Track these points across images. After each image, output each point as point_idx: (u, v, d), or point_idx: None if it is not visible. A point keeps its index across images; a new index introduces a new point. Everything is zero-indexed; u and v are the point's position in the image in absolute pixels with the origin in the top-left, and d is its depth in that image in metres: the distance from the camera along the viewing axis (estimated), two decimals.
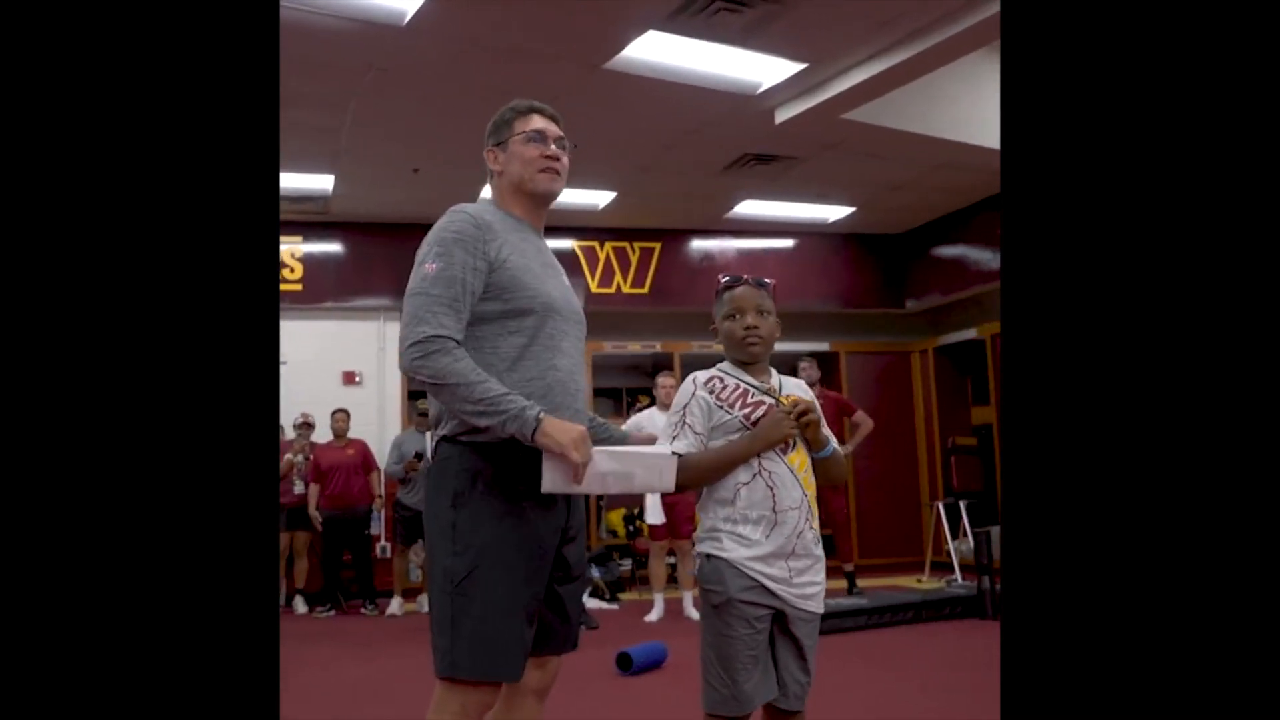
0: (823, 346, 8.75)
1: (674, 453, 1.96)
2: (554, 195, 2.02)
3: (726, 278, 2.09)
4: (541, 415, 1.74)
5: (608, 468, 1.81)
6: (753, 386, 2.02)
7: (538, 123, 2.00)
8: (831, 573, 7.16)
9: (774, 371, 2.10)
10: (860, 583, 6.85)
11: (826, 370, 8.60)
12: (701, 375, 2.04)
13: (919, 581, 7.51)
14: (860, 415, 6.75)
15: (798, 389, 2.09)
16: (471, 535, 1.80)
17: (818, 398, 7.03)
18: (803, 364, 6.89)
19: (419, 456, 6.56)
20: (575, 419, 1.90)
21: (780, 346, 2.20)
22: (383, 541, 7.34)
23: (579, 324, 2.01)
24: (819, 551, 2.00)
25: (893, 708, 3.61)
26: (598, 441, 2.09)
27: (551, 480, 1.77)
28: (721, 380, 2.03)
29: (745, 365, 2.05)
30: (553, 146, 1.99)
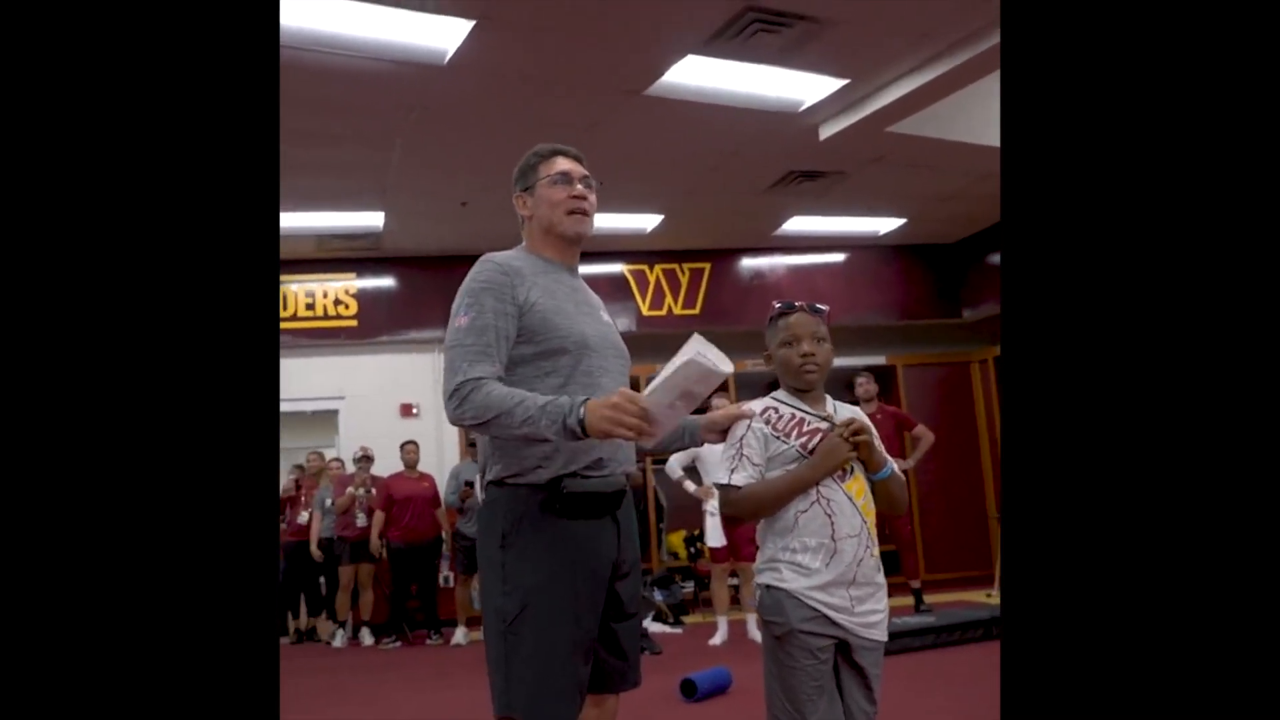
0: (879, 360, 8.65)
1: (731, 484, 1.95)
2: (584, 237, 2.03)
3: (780, 304, 2.08)
4: (584, 416, 1.69)
5: (666, 400, 1.73)
6: (809, 414, 2.00)
7: (562, 165, 2.02)
8: (898, 590, 7.11)
9: (829, 398, 2.08)
10: (928, 599, 6.74)
11: (884, 384, 8.47)
12: (757, 405, 2.03)
13: (989, 596, 7.35)
14: (920, 429, 6.65)
15: (852, 415, 2.06)
16: (520, 575, 1.81)
17: (876, 413, 6.92)
18: (860, 379, 6.81)
19: (470, 485, 6.61)
20: (615, 453, 1.91)
21: (836, 361, 2.17)
22: (445, 571, 7.40)
23: (619, 358, 2.01)
24: (880, 579, 1.98)
25: None
26: (672, 440, 2.11)
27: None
28: (776, 410, 2.01)
29: (801, 393, 2.04)
30: (579, 186, 2.01)
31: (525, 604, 1.79)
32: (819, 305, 2.06)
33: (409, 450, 7.23)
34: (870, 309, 8.87)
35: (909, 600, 6.60)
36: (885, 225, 8.29)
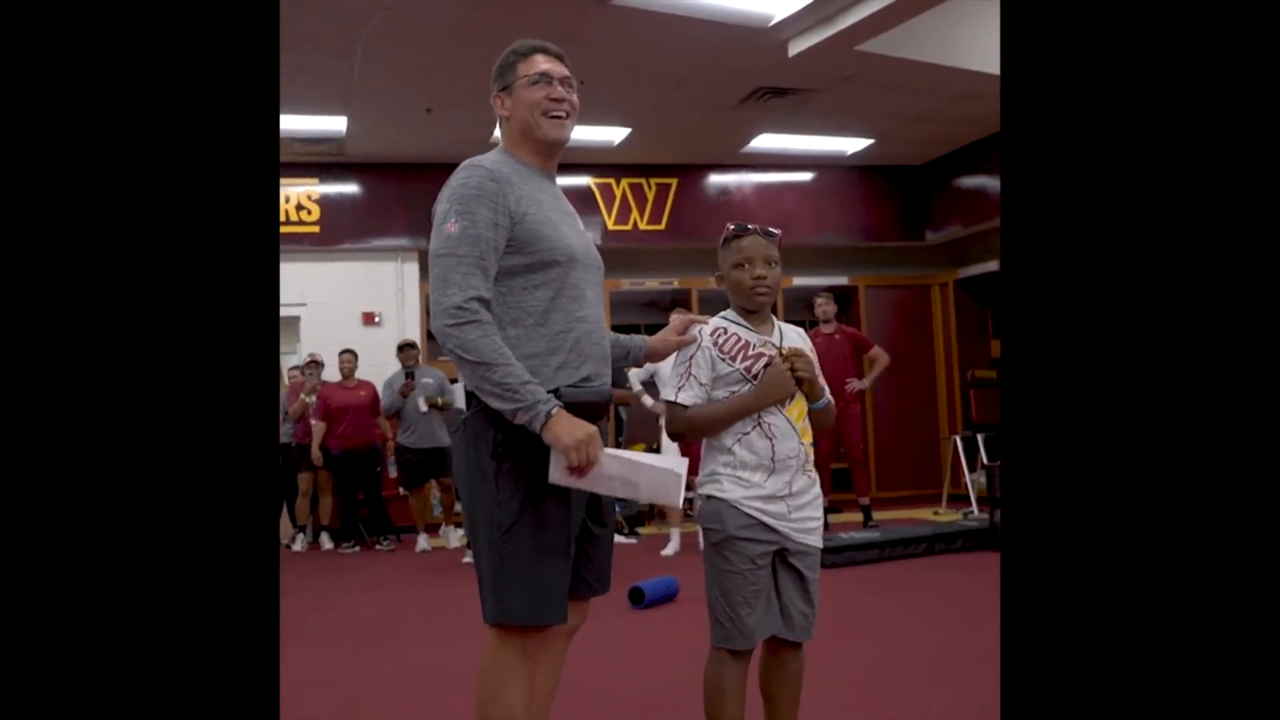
0: (841, 281, 8.72)
1: (678, 401, 2.01)
2: (563, 142, 1.96)
3: (734, 226, 2.10)
4: (554, 411, 1.72)
5: (614, 471, 1.80)
6: (754, 338, 2.05)
7: (542, 64, 1.93)
8: (848, 505, 7.24)
9: (775, 321, 2.13)
10: (878, 515, 6.93)
11: (845, 305, 8.57)
12: (708, 326, 2.08)
13: (936, 514, 7.57)
14: (876, 351, 6.75)
15: (798, 339, 2.12)
16: (514, 484, 1.80)
17: (834, 333, 7.01)
18: (819, 299, 6.88)
19: (410, 376, 6.84)
20: (601, 368, 1.92)
21: (799, 281, 2.22)
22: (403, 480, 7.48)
23: (598, 270, 1.98)
24: (816, 491, 2.06)
25: (898, 640, 3.69)
26: (617, 359, 2.09)
27: (557, 473, 1.77)
28: (725, 331, 2.06)
29: (749, 314, 2.09)
30: (559, 88, 1.92)
31: (521, 511, 1.79)
32: (772, 229, 2.09)
33: (345, 360, 7.24)
34: (835, 229, 8.89)
35: (858, 516, 6.79)
36: (853, 145, 8.26)
